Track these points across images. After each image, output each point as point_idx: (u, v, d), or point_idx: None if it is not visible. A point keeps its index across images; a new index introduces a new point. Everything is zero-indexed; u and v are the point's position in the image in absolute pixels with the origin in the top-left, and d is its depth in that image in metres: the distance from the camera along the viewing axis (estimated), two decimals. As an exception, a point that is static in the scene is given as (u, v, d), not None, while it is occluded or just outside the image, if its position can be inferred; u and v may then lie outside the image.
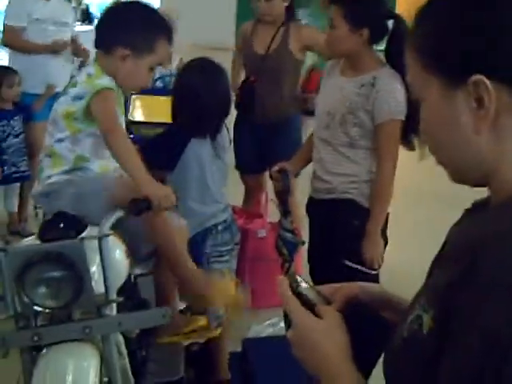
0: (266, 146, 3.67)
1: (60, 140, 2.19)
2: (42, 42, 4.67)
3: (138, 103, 3.90)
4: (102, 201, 2.10)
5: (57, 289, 1.69)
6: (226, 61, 2.99)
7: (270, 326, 3.52)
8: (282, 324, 3.18)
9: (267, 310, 3.64)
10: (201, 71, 2.63)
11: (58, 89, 4.64)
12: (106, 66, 2.21)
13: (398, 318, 1.02)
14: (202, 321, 2.49)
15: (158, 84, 4.18)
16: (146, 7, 2.33)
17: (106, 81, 2.16)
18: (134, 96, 3.92)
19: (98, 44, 2.27)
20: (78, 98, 2.14)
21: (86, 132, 2.16)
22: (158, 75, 4.18)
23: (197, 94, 2.56)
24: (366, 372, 0.94)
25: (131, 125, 3.72)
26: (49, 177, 2.20)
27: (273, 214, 3.76)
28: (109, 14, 2.31)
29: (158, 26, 2.26)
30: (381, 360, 0.96)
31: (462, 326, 0.76)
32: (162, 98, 3.67)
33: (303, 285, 1.01)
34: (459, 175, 0.91)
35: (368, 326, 1.01)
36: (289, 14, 3.64)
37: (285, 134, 3.62)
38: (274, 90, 3.61)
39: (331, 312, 0.96)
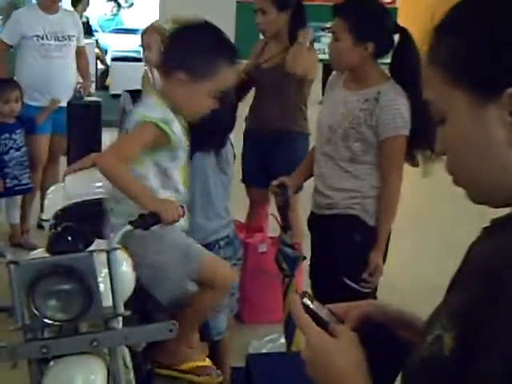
0: (270, 160, 3.68)
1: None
2: (43, 59, 4.73)
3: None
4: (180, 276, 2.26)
5: (66, 302, 1.71)
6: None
7: (269, 341, 3.52)
8: (282, 340, 3.19)
9: (267, 325, 3.65)
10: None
11: (62, 103, 4.70)
12: (166, 91, 2.21)
13: (412, 336, 1.00)
14: (204, 361, 2.45)
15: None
16: (210, 29, 2.29)
17: (154, 113, 2.15)
18: None
19: (161, 66, 2.27)
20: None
21: (149, 162, 2.19)
22: None
23: None
24: None
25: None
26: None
27: (273, 228, 3.78)
28: (173, 36, 2.33)
29: (221, 50, 2.21)
30: (398, 379, 0.97)
31: (486, 348, 0.75)
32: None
33: (315, 303, 1.00)
34: (482, 195, 0.89)
35: (384, 346, 1.01)
36: (292, 29, 3.67)
37: (288, 148, 3.61)
38: (276, 104, 3.63)
39: (346, 331, 0.95)
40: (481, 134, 0.84)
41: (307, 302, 0.99)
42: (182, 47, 2.20)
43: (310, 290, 2.83)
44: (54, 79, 4.74)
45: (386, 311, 1.07)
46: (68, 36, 4.84)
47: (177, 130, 2.21)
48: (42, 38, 4.71)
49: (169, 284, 2.29)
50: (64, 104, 4.66)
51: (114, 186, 2.16)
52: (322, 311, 1.00)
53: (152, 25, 4.14)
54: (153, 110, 2.17)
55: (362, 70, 2.57)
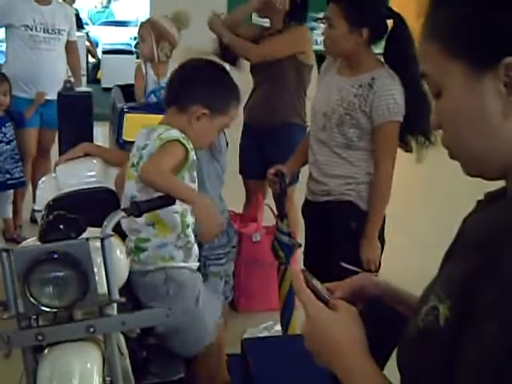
0: (269, 152, 3.62)
1: None
2: (31, 50, 4.70)
3: (131, 122, 3.87)
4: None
5: (62, 288, 1.70)
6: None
7: (264, 329, 3.53)
8: (277, 327, 3.20)
9: (262, 313, 3.66)
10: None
11: (49, 96, 4.67)
12: (177, 123, 2.27)
13: (408, 311, 1.01)
14: None
15: (152, 98, 4.15)
16: (219, 68, 2.42)
17: (173, 133, 2.22)
18: (126, 115, 3.90)
19: (171, 102, 2.32)
20: (151, 154, 2.20)
21: None
22: (151, 88, 4.15)
23: None
24: (380, 364, 0.94)
25: (125, 144, 3.71)
26: (162, 246, 2.26)
27: (267, 218, 3.78)
28: (184, 72, 2.36)
29: (232, 88, 2.36)
30: (395, 352, 0.97)
31: (485, 315, 0.75)
32: (156, 117, 3.66)
33: (314, 281, 1.02)
34: (477, 167, 0.89)
35: (383, 319, 1.02)
36: (291, 15, 3.62)
37: (287, 140, 3.55)
38: (276, 94, 3.60)
39: (345, 305, 0.96)
40: (476, 107, 0.84)
41: (309, 278, 1.01)
42: (199, 84, 2.30)
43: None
44: (41, 72, 4.71)
45: (381, 285, 1.08)
46: (58, 30, 4.79)
47: (191, 147, 2.26)
48: (31, 29, 4.68)
49: (199, 333, 2.37)
50: (52, 97, 4.64)
51: (162, 190, 2.15)
52: (322, 289, 1.02)
53: (148, 18, 4.16)
54: (170, 132, 2.23)
55: (356, 56, 2.57)
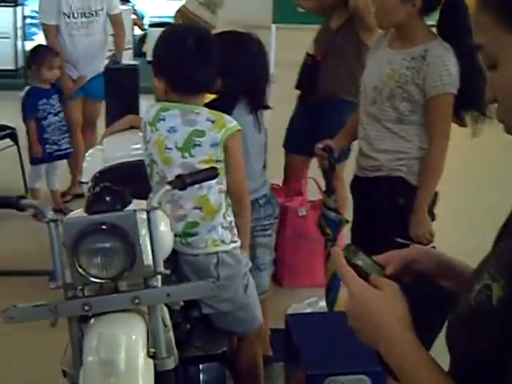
0: (318, 128, 3.46)
1: (210, 187, 2.22)
2: (70, 37, 4.72)
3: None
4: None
5: (110, 259, 1.71)
6: (263, 39, 2.96)
7: (309, 305, 3.52)
8: (321, 303, 3.17)
9: (306, 289, 3.65)
10: (240, 44, 2.61)
11: (90, 76, 4.76)
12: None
13: (458, 284, 1.00)
14: None
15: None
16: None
17: (234, 122, 2.24)
18: None
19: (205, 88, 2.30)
20: (216, 144, 2.20)
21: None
22: None
23: (241, 67, 2.54)
24: (427, 342, 0.93)
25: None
26: (212, 229, 2.26)
27: (312, 192, 3.75)
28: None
29: None
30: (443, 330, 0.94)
31: None
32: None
33: (360, 255, 1.00)
34: None
35: (428, 296, 1.00)
36: None
37: (338, 117, 3.32)
38: (336, 69, 3.51)
39: (389, 283, 0.95)
40: None
41: (349, 255, 0.99)
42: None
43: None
44: (81, 58, 4.77)
45: (434, 256, 1.05)
46: (95, 11, 4.74)
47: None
48: (69, 17, 4.68)
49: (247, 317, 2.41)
50: (93, 75, 4.67)
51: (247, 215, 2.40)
52: (367, 263, 0.99)
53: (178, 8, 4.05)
54: (226, 118, 2.24)
55: (408, 28, 2.50)
